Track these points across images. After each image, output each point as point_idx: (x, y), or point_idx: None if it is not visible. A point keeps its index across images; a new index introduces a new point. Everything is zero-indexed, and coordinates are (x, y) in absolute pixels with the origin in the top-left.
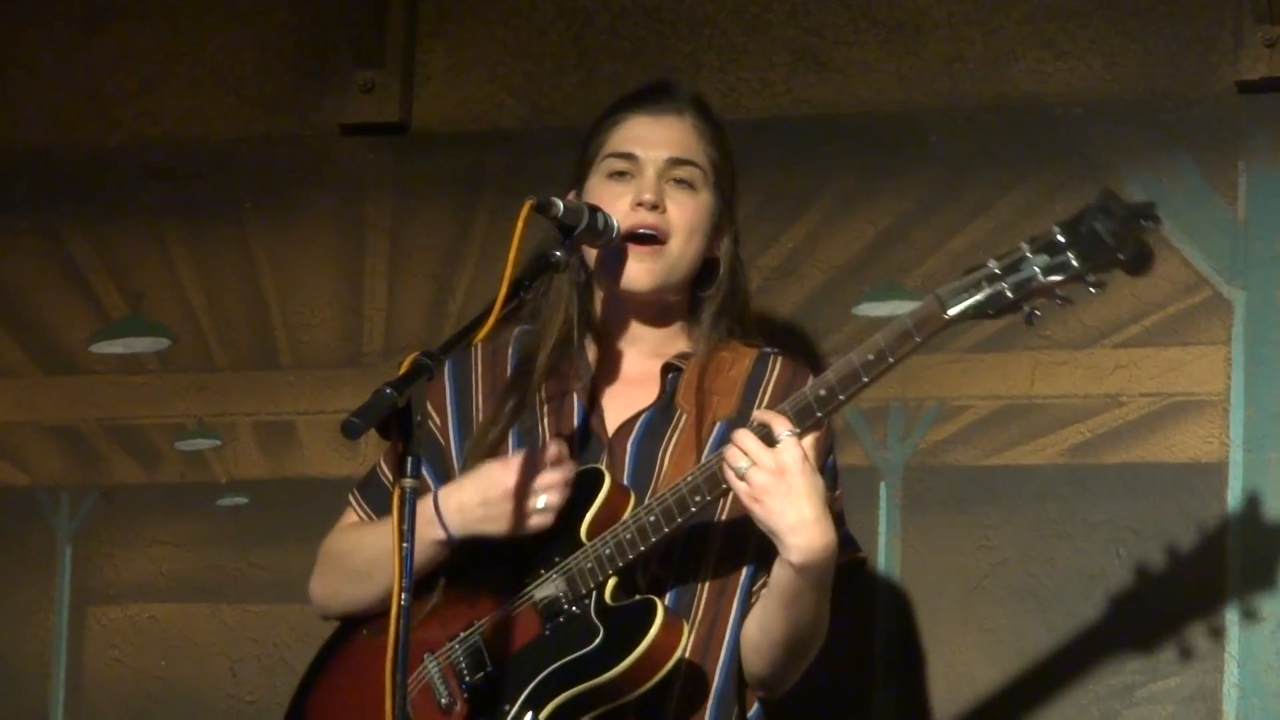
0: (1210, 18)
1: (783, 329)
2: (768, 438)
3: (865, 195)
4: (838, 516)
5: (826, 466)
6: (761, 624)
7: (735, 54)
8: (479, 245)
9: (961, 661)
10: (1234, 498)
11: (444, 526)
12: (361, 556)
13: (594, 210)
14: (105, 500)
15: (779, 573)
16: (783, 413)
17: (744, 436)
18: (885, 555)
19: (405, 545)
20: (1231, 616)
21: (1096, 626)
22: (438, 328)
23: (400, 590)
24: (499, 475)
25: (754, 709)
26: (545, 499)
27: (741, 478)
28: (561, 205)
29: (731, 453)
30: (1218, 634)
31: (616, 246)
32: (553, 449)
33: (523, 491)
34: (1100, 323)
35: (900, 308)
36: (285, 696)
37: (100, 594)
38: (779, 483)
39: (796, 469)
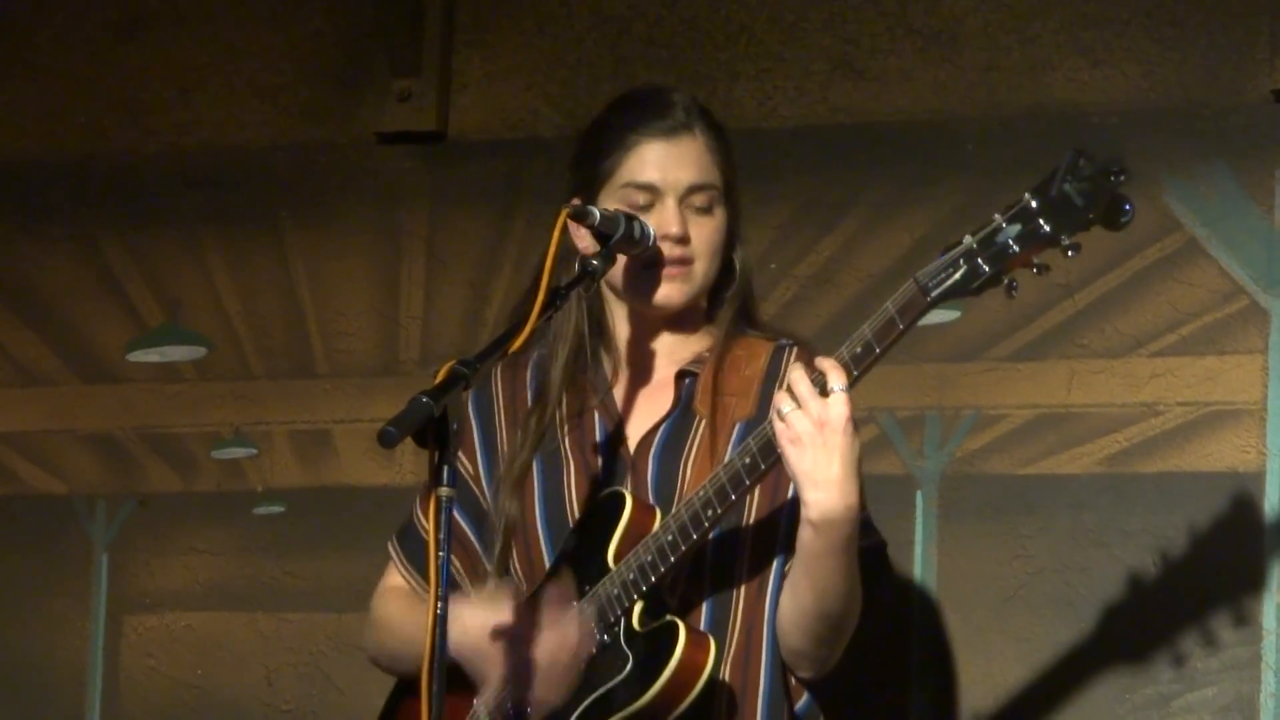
0: (1247, 26)
1: (818, 337)
2: (821, 386)
3: (902, 203)
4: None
5: None
6: (790, 592)
7: (772, 62)
8: (515, 253)
9: (998, 671)
10: (1271, 507)
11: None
12: (395, 638)
13: (630, 218)
14: (142, 509)
15: (800, 533)
16: (844, 365)
17: (799, 381)
18: (921, 564)
19: (441, 555)
20: (1269, 626)
21: (1133, 636)
22: (474, 336)
23: (436, 599)
24: (507, 627)
25: (803, 700)
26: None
27: (782, 419)
28: (598, 214)
29: (779, 395)
30: (1254, 643)
31: (648, 261)
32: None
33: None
34: (1137, 331)
35: (937, 316)
36: (321, 705)
37: (136, 602)
38: (818, 434)
39: (839, 426)
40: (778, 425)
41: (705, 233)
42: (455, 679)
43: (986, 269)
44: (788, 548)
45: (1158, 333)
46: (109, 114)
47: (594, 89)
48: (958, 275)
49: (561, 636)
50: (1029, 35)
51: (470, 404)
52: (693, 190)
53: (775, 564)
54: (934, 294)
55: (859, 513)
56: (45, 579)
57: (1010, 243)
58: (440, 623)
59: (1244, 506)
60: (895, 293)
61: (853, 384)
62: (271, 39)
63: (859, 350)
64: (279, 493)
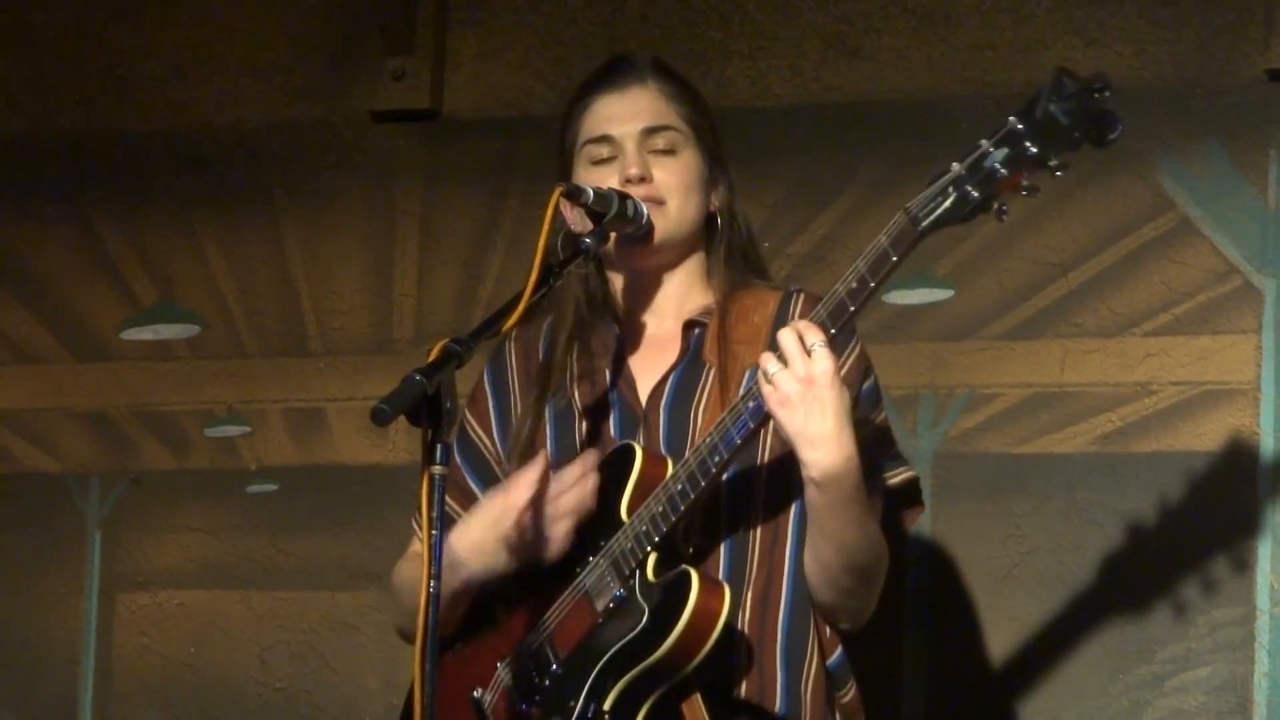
0: (1240, 6)
1: None
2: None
3: (895, 182)
4: (884, 436)
5: (865, 390)
6: (811, 552)
7: (765, 41)
8: (509, 232)
9: (992, 650)
10: (1264, 486)
11: (465, 569)
12: (412, 601)
13: (623, 197)
14: (135, 486)
15: (807, 494)
16: (820, 324)
17: (785, 337)
18: (915, 542)
19: (435, 533)
20: (1262, 605)
21: (1127, 615)
22: (468, 314)
23: (429, 578)
24: (505, 504)
25: (836, 654)
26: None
27: (769, 381)
28: (591, 192)
29: (765, 354)
30: (1248, 623)
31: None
32: (541, 462)
33: (537, 514)
34: (1130, 311)
35: (931, 295)
36: (314, 683)
37: (130, 580)
38: (805, 391)
39: (825, 381)
40: (765, 389)
41: (671, 172)
42: (483, 618)
43: (976, 194)
44: (802, 506)
45: (1151, 312)
46: (103, 93)
47: (587, 67)
48: (948, 203)
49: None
50: (1023, 14)
51: (486, 376)
52: (648, 134)
53: (792, 513)
54: (924, 223)
55: (858, 462)
56: (39, 557)
57: (998, 166)
58: (433, 601)
59: (1237, 486)
60: (886, 225)
61: (850, 320)
62: (266, 18)
63: (854, 285)
64: (272, 471)
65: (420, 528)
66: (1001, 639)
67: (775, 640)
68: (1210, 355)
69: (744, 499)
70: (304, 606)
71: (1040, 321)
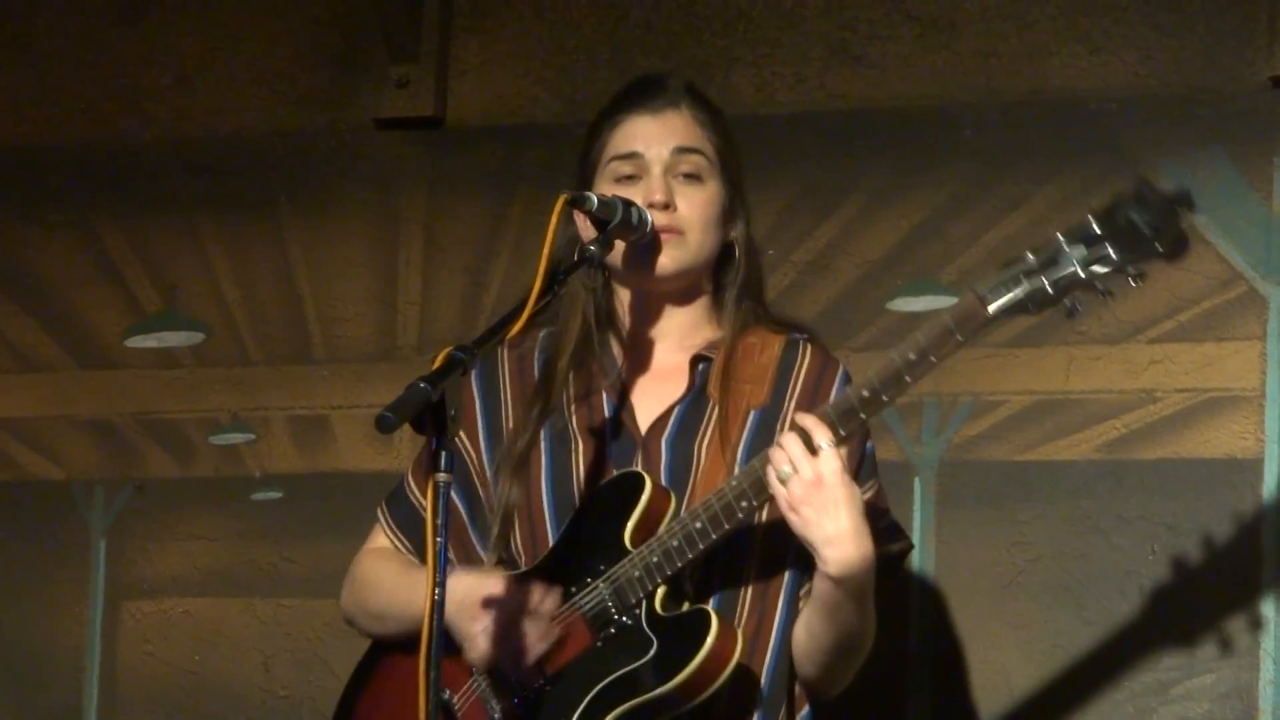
0: (1245, 12)
1: (816, 324)
2: (808, 444)
3: (900, 190)
4: (879, 504)
5: (867, 451)
6: (808, 631)
7: (769, 48)
8: (513, 239)
9: (996, 658)
10: (1269, 493)
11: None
12: (377, 599)
13: (628, 204)
14: (139, 494)
15: (819, 584)
16: (825, 419)
17: (790, 441)
18: (919, 551)
19: (439, 540)
20: (1267, 613)
21: (1132, 623)
22: (472, 322)
23: (434, 585)
24: (496, 595)
25: (804, 711)
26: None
27: (783, 482)
28: (596, 200)
29: (777, 455)
30: (1254, 630)
31: (647, 242)
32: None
33: (513, 623)
34: (1135, 318)
35: (935, 302)
36: (319, 691)
37: (134, 588)
38: (816, 494)
39: (835, 480)
40: (777, 490)
41: (695, 202)
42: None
43: (1051, 291)
44: (800, 556)
45: (1156, 319)
46: (108, 100)
47: (591, 75)
48: (1019, 292)
49: (535, 623)
50: (1027, 21)
51: (474, 383)
52: (678, 154)
53: (789, 573)
54: (993, 309)
55: (874, 557)
56: (43, 565)
57: (1077, 266)
58: (438, 608)
59: (1242, 493)
60: (952, 305)
61: (906, 390)
62: (270, 25)
63: (912, 357)
64: (277, 478)
65: (385, 518)
66: (1006, 647)
67: (758, 686)
68: (1215, 362)
69: (741, 545)
70: (309, 614)
71: (1045, 328)
